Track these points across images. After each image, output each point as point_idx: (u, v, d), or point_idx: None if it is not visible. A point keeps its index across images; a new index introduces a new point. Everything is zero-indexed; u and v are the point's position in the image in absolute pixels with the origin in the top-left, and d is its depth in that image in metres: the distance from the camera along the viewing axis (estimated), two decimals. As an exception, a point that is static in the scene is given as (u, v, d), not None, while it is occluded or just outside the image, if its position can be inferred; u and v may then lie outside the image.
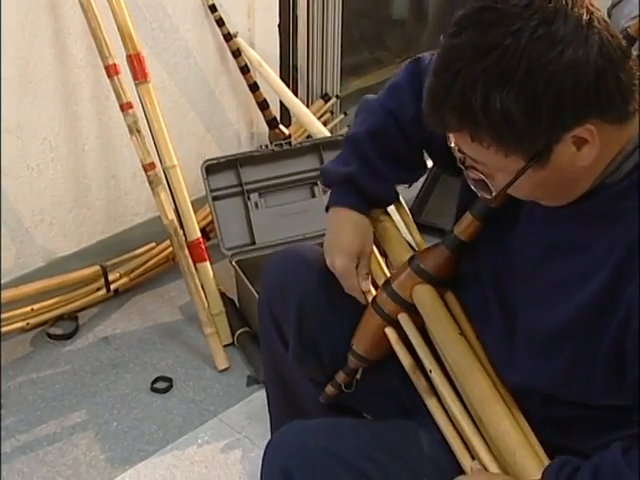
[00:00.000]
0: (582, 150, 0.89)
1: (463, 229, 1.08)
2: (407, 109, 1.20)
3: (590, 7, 0.87)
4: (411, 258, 1.15)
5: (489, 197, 0.97)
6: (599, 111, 0.87)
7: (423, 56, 1.23)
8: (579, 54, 0.85)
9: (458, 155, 0.97)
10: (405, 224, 1.28)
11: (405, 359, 1.13)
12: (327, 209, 1.27)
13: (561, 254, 0.98)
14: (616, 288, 0.91)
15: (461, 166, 0.98)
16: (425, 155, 1.28)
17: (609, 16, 3.04)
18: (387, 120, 1.22)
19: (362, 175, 1.22)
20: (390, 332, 1.15)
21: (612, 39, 0.87)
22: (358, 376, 1.24)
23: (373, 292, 1.23)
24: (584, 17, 0.86)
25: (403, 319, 1.14)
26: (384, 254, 1.28)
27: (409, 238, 1.26)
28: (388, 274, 1.24)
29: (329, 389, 1.26)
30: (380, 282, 1.22)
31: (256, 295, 2.06)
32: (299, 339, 1.25)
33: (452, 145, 0.97)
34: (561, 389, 1.01)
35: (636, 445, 0.91)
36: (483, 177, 0.96)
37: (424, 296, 1.12)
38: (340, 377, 1.24)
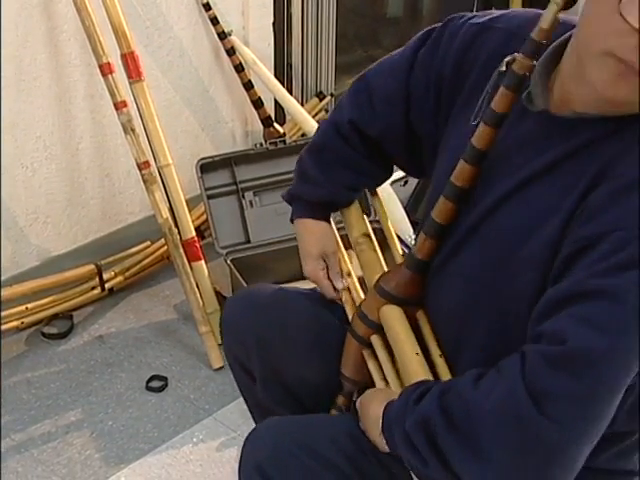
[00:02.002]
0: None
1: (419, 248, 1.08)
2: (344, 115, 1.25)
3: None
4: (377, 280, 1.16)
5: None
6: None
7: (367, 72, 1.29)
8: None
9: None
10: (389, 239, 1.29)
11: (378, 381, 1.14)
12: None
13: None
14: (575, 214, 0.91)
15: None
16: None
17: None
18: (327, 131, 1.28)
19: (303, 189, 1.30)
20: (367, 354, 1.17)
21: None
22: (354, 398, 1.23)
23: (356, 288, 1.27)
24: None
25: (375, 340, 1.15)
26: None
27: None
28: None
29: (332, 413, 1.27)
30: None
31: (251, 294, 2.07)
32: (264, 375, 1.28)
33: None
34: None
35: (489, 373, 0.92)
36: None
37: (387, 317, 1.13)
38: (340, 400, 1.26)
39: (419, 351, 1.08)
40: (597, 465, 1.01)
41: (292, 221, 1.34)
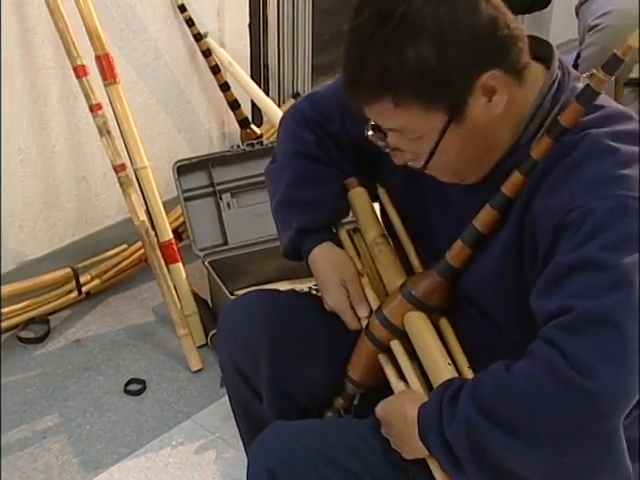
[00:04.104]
0: (492, 99, 0.98)
1: (454, 255, 1.07)
2: (306, 139, 1.26)
3: None
4: (403, 284, 1.13)
5: (420, 166, 1.03)
6: (498, 56, 0.97)
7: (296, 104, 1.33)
8: (472, 5, 0.96)
9: (381, 143, 1.05)
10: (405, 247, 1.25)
11: (397, 387, 1.11)
12: (308, 265, 1.29)
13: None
14: (526, 214, 0.99)
15: (387, 151, 1.05)
16: None
17: (577, 14, 3.07)
18: (295, 162, 1.27)
19: (302, 217, 1.26)
20: (383, 358, 1.13)
21: None
22: (356, 402, 1.23)
23: (372, 304, 1.21)
24: None
25: (395, 346, 1.12)
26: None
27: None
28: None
29: (328, 415, 1.25)
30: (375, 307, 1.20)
31: (229, 295, 2.06)
32: (273, 390, 1.24)
33: (373, 137, 1.04)
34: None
35: (518, 362, 0.93)
36: (409, 156, 1.04)
37: (415, 324, 1.10)
38: (339, 402, 1.23)
39: (451, 362, 1.06)
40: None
41: (306, 261, 1.28)
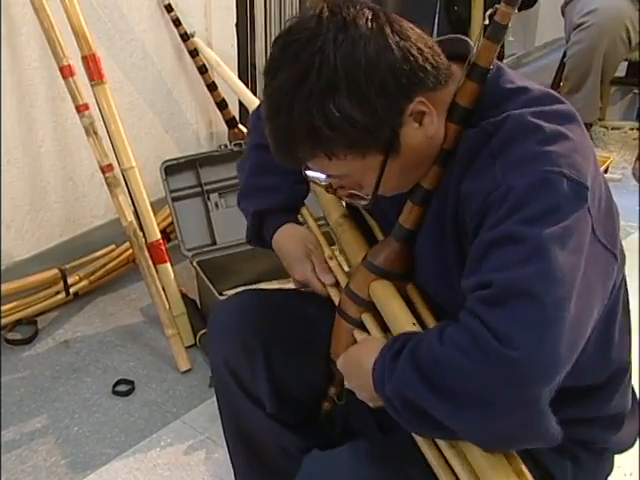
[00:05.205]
0: (424, 122, 0.99)
1: (406, 218, 1.09)
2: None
3: (369, 5, 0.99)
4: (365, 256, 1.14)
5: (366, 203, 1.05)
6: (419, 83, 0.97)
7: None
8: (380, 43, 0.95)
9: (323, 184, 1.06)
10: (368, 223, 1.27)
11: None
12: (274, 250, 1.32)
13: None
14: (457, 201, 1.01)
15: (330, 191, 1.07)
16: None
17: (562, 13, 3.09)
18: (257, 153, 1.31)
19: (262, 201, 1.30)
20: (358, 334, 1.13)
21: (400, 21, 0.99)
22: (346, 385, 1.21)
23: (341, 271, 1.24)
24: (368, 15, 0.97)
25: (366, 319, 1.12)
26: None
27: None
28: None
29: (325, 405, 1.26)
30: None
31: (218, 296, 2.06)
32: (274, 392, 1.24)
33: (314, 177, 1.06)
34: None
35: (450, 326, 0.95)
36: (353, 191, 1.06)
37: (380, 292, 1.10)
38: (331, 391, 1.24)
39: (415, 321, 1.07)
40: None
41: (271, 246, 1.31)
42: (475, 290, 0.92)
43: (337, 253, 1.29)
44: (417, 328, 1.05)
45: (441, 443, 1.00)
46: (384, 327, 1.11)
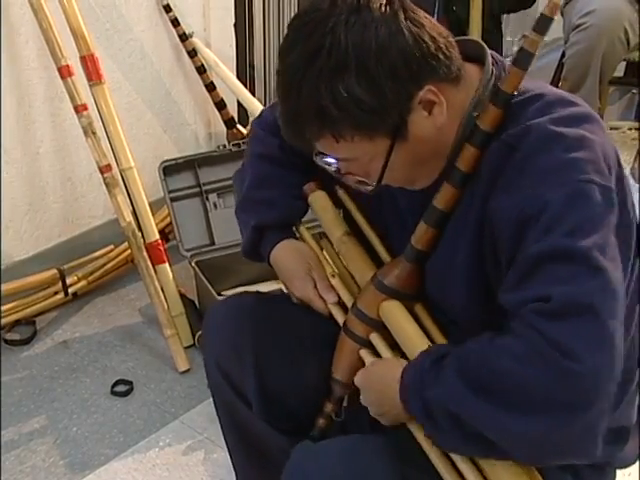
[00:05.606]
0: (433, 112, 0.99)
1: (419, 238, 1.07)
2: (271, 142, 1.28)
3: None
4: (374, 275, 1.13)
5: (371, 188, 1.05)
6: (430, 71, 0.98)
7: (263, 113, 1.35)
8: (392, 28, 0.96)
9: (331, 169, 1.06)
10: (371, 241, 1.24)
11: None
12: (270, 266, 1.30)
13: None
14: (484, 220, 1.00)
15: (338, 176, 1.07)
16: None
17: (561, 14, 3.08)
18: (258, 165, 1.29)
19: (260, 216, 1.28)
20: (365, 354, 1.12)
21: (414, 9, 0.99)
22: (345, 403, 1.20)
23: (344, 288, 1.22)
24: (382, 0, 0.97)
25: (375, 339, 1.11)
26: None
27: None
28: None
29: (320, 422, 1.22)
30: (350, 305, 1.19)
31: (216, 296, 2.06)
32: (262, 393, 1.23)
33: (321, 162, 1.05)
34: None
35: (500, 336, 0.94)
36: (359, 177, 1.05)
37: (390, 312, 1.09)
38: (328, 407, 1.21)
39: (430, 343, 1.06)
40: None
41: (268, 261, 1.28)
42: (529, 303, 0.91)
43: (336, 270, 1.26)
44: None
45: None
46: (393, 347, 1.10)
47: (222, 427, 1.38)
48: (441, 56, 0.98)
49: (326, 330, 1.22)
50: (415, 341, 1.06)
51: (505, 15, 3.26)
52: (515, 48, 4.03)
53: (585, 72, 2.92)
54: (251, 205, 1.30)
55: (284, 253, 1.27)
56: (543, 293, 0.90)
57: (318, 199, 1.28)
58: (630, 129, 3.40)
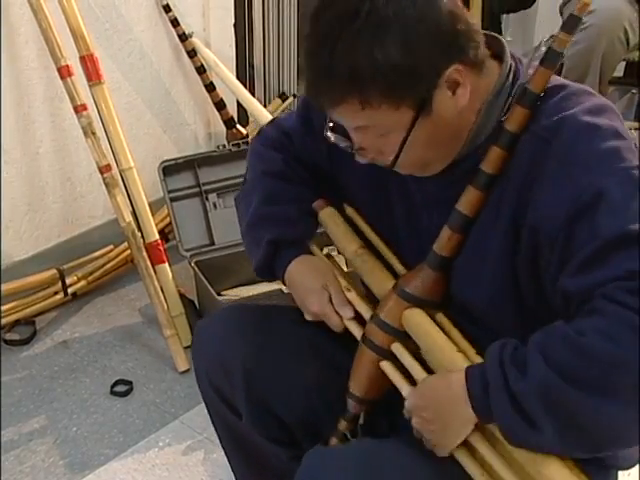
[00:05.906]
0: (457, 92, 1.00)
1: (443, 245, 1.05)
2: (275, 158, 1.26)
3: None
4: (395, 284, 1.10)
5: (388, 163, 1.04)
6: (460, 50, 0.99)
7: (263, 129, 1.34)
8: (430, 1, 0.97)
9: (343, 144, 1.06)
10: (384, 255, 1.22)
11: (406, 391, 1.06)
12: (284, 283, 1.26)
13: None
14: (520, 215, 0.99)
15: (354, 152, 1.06)
16: None
17: (561, 13, 3.08)
18: (266, 182, 1.27)
19: (274, 235, 1.23)
20: (386, 365, 1.09)
21: None
22: (361, 421, 1.16)
23: (360, 302, 1.19)
24: None
25: (397, 349, 1.08)
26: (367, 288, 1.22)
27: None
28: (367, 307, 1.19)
29: (333, 441, 1.18)
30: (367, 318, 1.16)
31: (216, 296, 2.06)
32: (251, 407, 1.22)
33: (333, 135, 1.06)
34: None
35: (579, 319, 0.91)
36: (374, 154, 1.05)
37: (415, 321, 1.07)
38: (342, 426, 1.17)
39: (460, 349, 1.03)
40: None
41: (282, 278, 1.24)
42: (608, 283, 0.89)
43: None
44: (462, 355, 1.02)
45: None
46: (415, 357, 1.07)
47: (218, 436, 1.37)
48: (470, 40, 0.99)
49: (316, 341, 1.21)
50: (444, 347, 1.04)
51: (505, 15, 3.26)
52: (514, 47, 4.02)
53: (585, 72, 2.92)
54: (265, 221, 1.25)
55: (300, 268, 1.23)
56: (626, 270, 0.89)
57: (329, 215, 1.25)
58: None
